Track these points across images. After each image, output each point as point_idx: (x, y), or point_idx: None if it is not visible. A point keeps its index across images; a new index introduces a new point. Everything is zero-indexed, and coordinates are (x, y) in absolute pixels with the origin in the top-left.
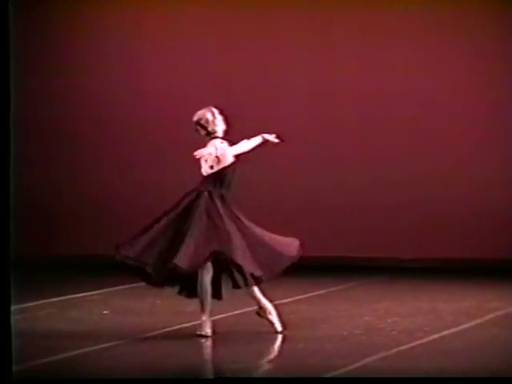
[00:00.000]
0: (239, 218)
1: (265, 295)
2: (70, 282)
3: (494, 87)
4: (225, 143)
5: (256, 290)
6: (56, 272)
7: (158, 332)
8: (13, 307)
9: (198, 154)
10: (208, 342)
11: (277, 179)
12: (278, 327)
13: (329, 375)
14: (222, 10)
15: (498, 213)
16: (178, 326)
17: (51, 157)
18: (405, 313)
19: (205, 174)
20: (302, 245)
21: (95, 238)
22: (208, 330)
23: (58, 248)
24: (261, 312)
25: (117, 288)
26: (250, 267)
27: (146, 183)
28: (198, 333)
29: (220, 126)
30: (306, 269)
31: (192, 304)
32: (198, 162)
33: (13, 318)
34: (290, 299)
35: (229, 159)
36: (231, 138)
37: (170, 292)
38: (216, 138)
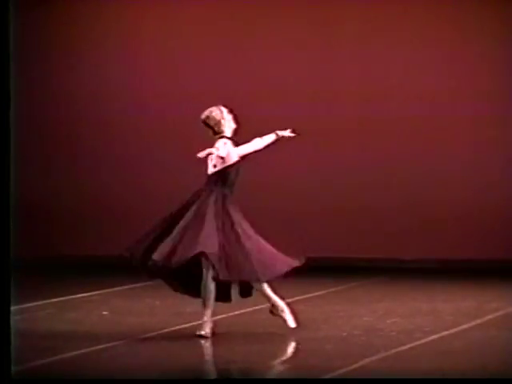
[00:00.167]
0: (231, 218)
1: (276, 293)
2: (69, 283)
3: (494, 87)
4: (228, 143)
5: (267, 287)
6: (55, 272)
7: (158, 332)
8: (12, 308)
9: (201, 154)
10: (207, 343)
11: (277, 179)
12: (292, 324)
13: (328, 376)
14: (222, 10)
15: (498, 213)
16: (178, 327)
17: (51, 157)
18: (404, 313)
19: (208, 172)
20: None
21: (95, 239)
22: (207, 331)
23: (57, 248)
24: (274, 310)
25: (116, 289)
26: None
27: (145, 184)
28: (198, 333)
29: (228, 126)
30: (305, 269)
31: (191, 305)
32: (198, 162)
33: (12, 319)
34: (289, 300)
35: (232, 159)
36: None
37: (170, 293)
38: (222, 137)
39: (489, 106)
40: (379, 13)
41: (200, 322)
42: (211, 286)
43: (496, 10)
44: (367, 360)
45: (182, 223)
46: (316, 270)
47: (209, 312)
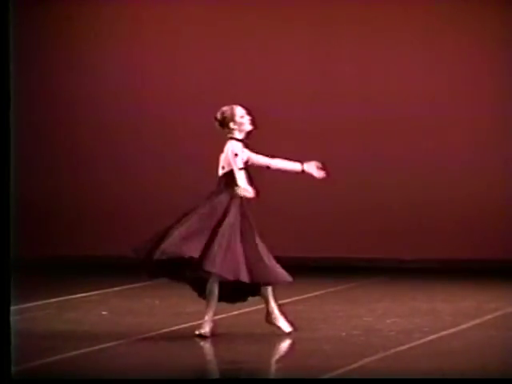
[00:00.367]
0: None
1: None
2: (68, 283)
3: (494, 87)
4: (235, 145)
5: (270, 292)
6: (54, 272)
7: (157, 332)
8: (11, 308)
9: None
10: (207, 343)
11: (277, 179)
12: (287, 329)
13: (327, 376)
14: (222, 10)
15: (498, 213)
16: (177, 327)
17: (51, 157)
18: (404, 313)
19: (219, 174)
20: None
21: (94, 239)
22: (207, 330)
23: (56, 249)
24: (268, 317)
25: (115, 289)
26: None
27: (145, 184)
28: (197, 332)
29: (241, 127)
30: (304, 269)
31: (191, 305)
32: (197, 163)
33: (11, 319)
34: (288, 300)
35: (239, 162)
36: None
37: (169, 293)
38: (232, 138)
39: (489, 106)
40: (379, 13)
41: (200, 321)
42: (214, 286)
43: (496, 10)
44: (366, 360)
45: (183, 221)
46: (315, 269)
47: (211, 312)
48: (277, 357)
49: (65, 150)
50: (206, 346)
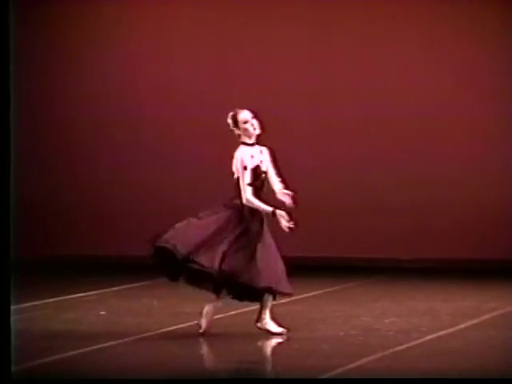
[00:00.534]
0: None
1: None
2: (66, 283)
3: (494, 87)
4: (248, 154)
5: (270, 298)
6: (53, 272)
7: (155, 332)
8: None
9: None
10: (205, 343)
11: None
12: (277, 330)
13: (325, 375)
14: (221, 10)
15: (498, 213)
16: (175, 327)
17: (51, 157)
18: (402, 313)
19: (234, 177)
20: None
21: (93, 239)
22: (204, 326)
23: (55, 248)
24: (259, 322)
25: (114, 288)
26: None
27: (144, 184)
28: (197, 322)
29: (245, 133)
30: (303, 269)
31: (189, 305)
32: (197, 163)
33: (11, 319)
34: (286, 299)
35: (247, 177)
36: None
37: (167, 293)
38: (242, 143)
39: (489, 106)
40: (379, 13)
41: (196, 321)
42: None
43: (496, 10)
44: (364, 360)
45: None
46: (313, 269)
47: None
48: (275, 356)
49: (64, 149)
50: (204, 345)
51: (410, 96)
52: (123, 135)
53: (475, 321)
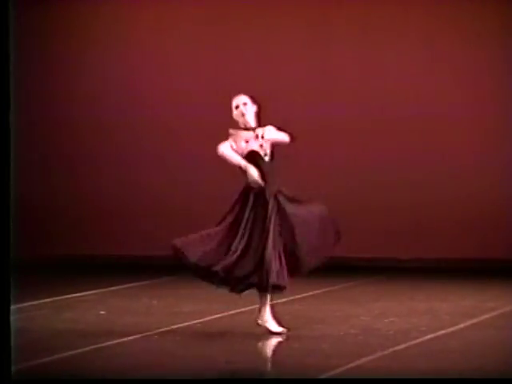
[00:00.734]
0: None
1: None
2: (66, 282)
3: (494, 87)
4: (230, 140)
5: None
6: (52, 272)
7: (154, 332)
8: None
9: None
10: (204, 343)
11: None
12: (277, 329)
13: (325, 375)
14: (221, 10)
15: (498, 213)
16: (175, 326)
17: (50, 157)
18: (401, 313)
19: None
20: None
21: (92, 239)
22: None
23: (54, 248)
24: (259, 319)
25: (113, 288)
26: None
27: (143, 184)
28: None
29: (237, 118)
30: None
31: (188, 304)
32: (197, 163)
33: (11, 318)
34: (286, 299)
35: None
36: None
37: (166, 292)
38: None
39: (489, 106)
40: (379, 13)
41: (200, 320)
42: None
43: (496, 11)
44: (364, 359)
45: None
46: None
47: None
48: (274, 356)
49: (64, 150)
50: (203, 345)
51: (410, 96)
52: (123, 135)
53: (475, 320)
